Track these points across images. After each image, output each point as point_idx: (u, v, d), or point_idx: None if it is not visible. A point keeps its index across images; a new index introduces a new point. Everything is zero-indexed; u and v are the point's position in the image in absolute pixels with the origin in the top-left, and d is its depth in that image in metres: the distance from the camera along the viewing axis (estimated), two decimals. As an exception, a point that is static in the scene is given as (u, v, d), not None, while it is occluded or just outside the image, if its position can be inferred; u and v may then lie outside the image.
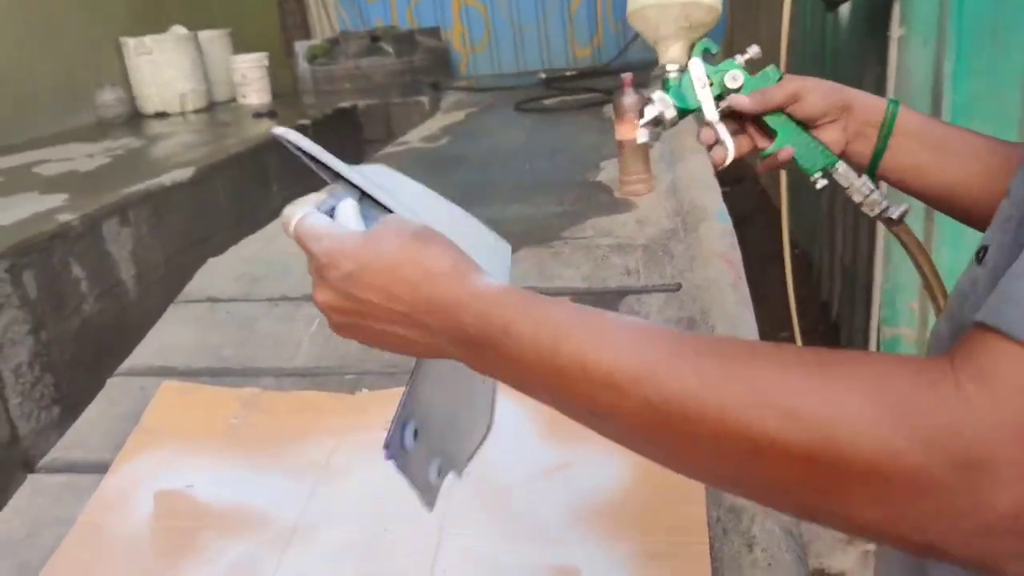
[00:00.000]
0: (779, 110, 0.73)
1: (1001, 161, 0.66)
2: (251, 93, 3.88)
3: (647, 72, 2.90)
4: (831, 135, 0.72)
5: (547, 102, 3.07)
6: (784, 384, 0.37)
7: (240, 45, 4.05)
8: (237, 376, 1.22)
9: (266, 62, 3.88)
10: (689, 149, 2.02)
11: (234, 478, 1.01)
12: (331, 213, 0.52)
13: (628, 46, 3.91)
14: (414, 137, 2.90)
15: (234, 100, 3.97)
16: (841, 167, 0.74)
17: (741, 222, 1.54)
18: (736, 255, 1.38)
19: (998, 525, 0.33)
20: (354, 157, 3.35)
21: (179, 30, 3.74)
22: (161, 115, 3.65)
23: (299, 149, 0.53)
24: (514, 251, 0.65)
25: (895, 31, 2.13)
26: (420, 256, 0.47)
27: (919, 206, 0.79)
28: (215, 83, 3.93)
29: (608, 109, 2.61)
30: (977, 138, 0.70)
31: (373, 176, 0.56)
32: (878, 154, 0.71)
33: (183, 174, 2.44)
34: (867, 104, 0.71)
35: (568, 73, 3.68)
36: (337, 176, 0.54)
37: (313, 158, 0.53)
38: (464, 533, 0.89)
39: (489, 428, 0.64)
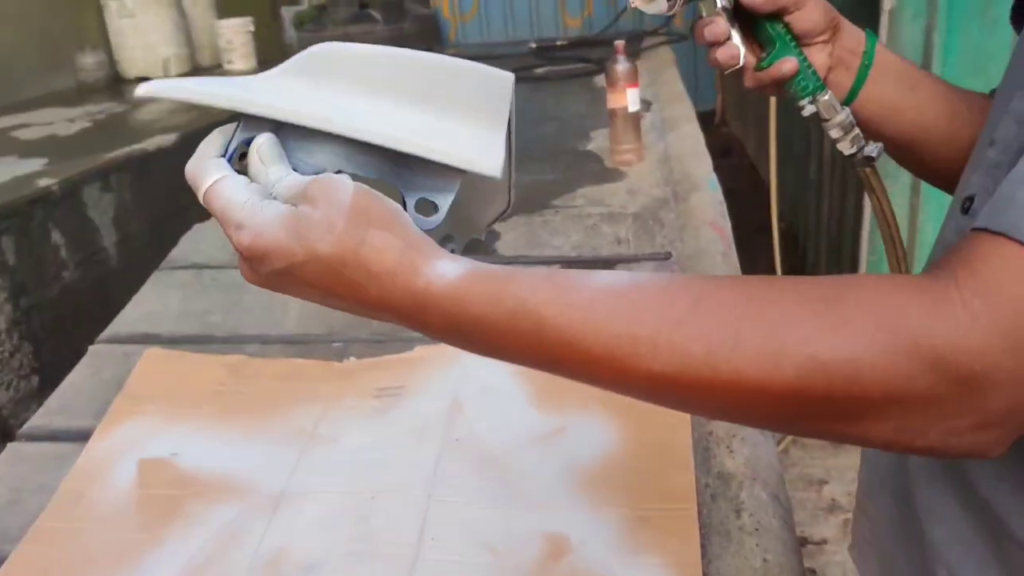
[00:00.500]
0: (785, 12, 0.67)
1: (965, 107, 0.66)
2: (237, 59, 3.81)
3: (638, 42, 2.86)
4: (818, 57, 0.68)
5: (537, 71, 3.03)
6: (797, 332, 0.37)
7: (225, 9, 3.97)
8: (223, 343, 1.21)
9: (252, 27, 3.80)
10: (681, 119, 2.01)
11: (220, 445, 1.00)
12: (246, 154, 0.46)
13: (619, 16, 3.87)
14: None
15: (219, 66, 3.90)
16: (827, 95, 0.69)
17: (728, 195, 1.53)
18: (726, 224, 1.37)
19: (989, 423, 0.36)
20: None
21: (161, -8, 3.66)
22: (143, 79, 3.57)
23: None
24: (505, 219, 0.61)
25: (887, 3, 2.11)
26: (359, 252, 0.41)
27: (904, 181, 0.78)
28: (199, 48, 3.86)
29: (599, 79, 2.59)
30: (943, 84, 0.69)
31: (309, 65, 0.48)
32: (858, 84, 0.69)
33: (167, 139, 2.40)
34: (852, 30, 0.69)
35: (559, 43, 3.64)
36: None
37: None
38: (453, 500, 0.88)
39: (509, 204, 0.57)
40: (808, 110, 0.69)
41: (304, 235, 0.42)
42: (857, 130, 0.70)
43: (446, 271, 0.42)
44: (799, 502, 2.02)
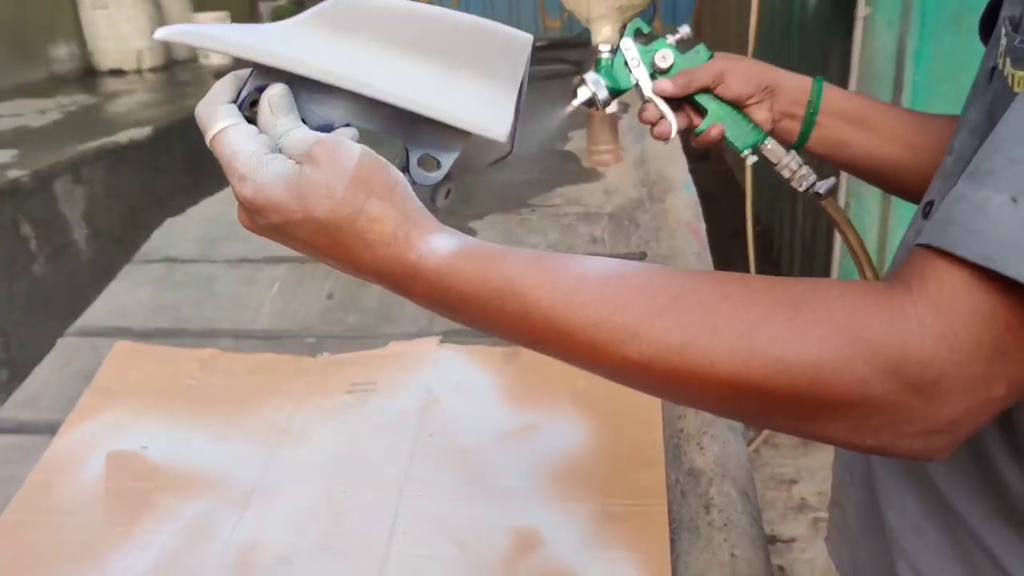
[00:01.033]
0: (708, 88, 0.75)
1: (923, 135, 0.70)
2: (212, 53, 3.78)
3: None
4: (759, 114, 0.75)
5: (515, 71, 3.04)
6: (767, 333, 0.39)
7: (202, 3, 3.94)
8: (195, 337, 1.20)
9: (228, 21, 3.78)
10: (656, 121, 2.02)
11: (190, 439, 0.99)
12: (257, 102, 0.46)
13: (598, 18, 3.89)
14: (379, 102, 2.85)
15: (194, 60, 3.86)
16: (770, 143, 0.77)
17: (705, 199, 1.55)
18: (701, 225, 1.39)
19: (937, 429, 0.38)
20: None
21: (136, -16, 3.62)
22: (117, 72, 3.54)
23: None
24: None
25: (861, 10, 2.15)
26: (357, 220, 0.43)
27: (875, 189, 0.82)
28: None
29: (577, 79, 2.60)
30: (901, 114, 0.73)
31: (331, 15, 0.48)
32: (804, 132, 0.74)
33: (140, 133, 2.37)
34: (792, 86, 0.74)
35: (538, 44, 3.66)
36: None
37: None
38: (424, 495, 0.88)
39: (511, 150, 0.56)
40: (750, 160, 0.77)
41: (303, 196, 0.43)
42: (804, 170, 0.77)
43: (439, 246, 0.43)
44: (769, 501, 2.04)
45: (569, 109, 0.81)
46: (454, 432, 0.97)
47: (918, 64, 2.10)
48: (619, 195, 1.59)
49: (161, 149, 2.45)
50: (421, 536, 0.84)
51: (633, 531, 0.82)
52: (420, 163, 0.49)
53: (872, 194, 2.24)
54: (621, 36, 0.78)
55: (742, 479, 0.90)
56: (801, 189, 0.78)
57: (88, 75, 3.48)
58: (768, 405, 0.39)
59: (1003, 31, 0.44)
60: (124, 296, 1.32)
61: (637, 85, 0.77)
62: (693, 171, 1.68)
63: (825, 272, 2.47)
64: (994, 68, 0.46)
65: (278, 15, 4.10)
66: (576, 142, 2.00)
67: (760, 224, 3.22)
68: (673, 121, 0.77)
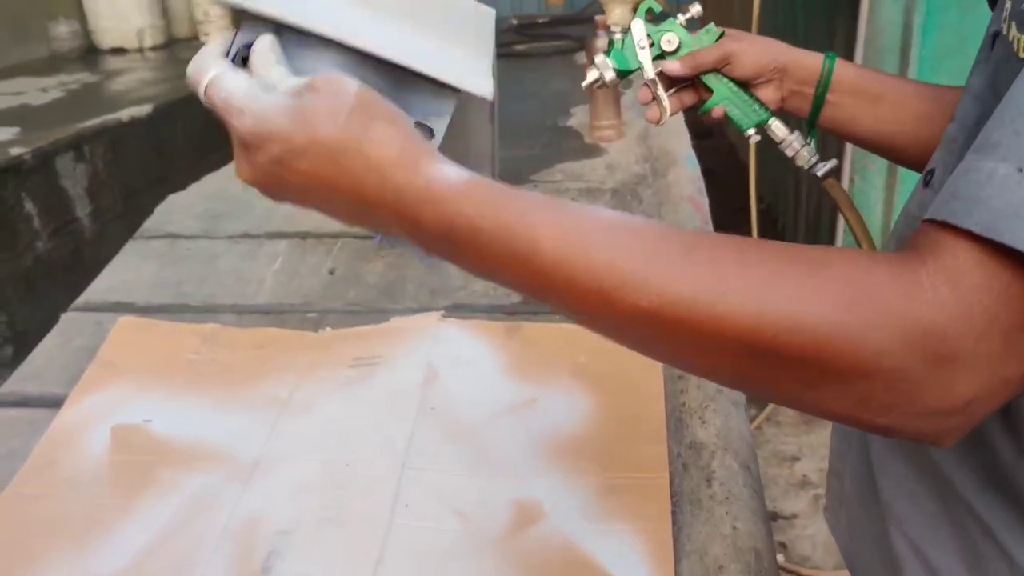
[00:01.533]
0: (715, 68, 0.76)
1: (933, 106, 0.70)
2: (214, 31, 3.75)
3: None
4: (767, 93, 0.75)
5: (518, 48, 3.02)
6: (780, 292, 0.37)
7: (201, -21, 3.89)
8: (197, 312, 1.20)
9: (229, -1, 3.75)
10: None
11: (193, 413, 1.00)
12: (247, 59, 0.44)
13: (601, -6, 3.85)
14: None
15: (195, 38, 3.84)
16: (774, 123, 0.77)
17: (708, 177, 1.54)
18: (703, 200, 1.38)
19: (950, 410, 0.36)
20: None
21: (137, -39, 3.59)
22: (118, 51, 3.52)
23: None
24: None
25: (868, -17, 2.12)
26: (362, 142, 0.41)
27: (882, 162, 0.83)
28: (175, 19, 3.80)
29: (580, 56, 2.58)
30: (911, 86, 0.73)
31: None
32: (815, 110, 0.74)
33: (141, 110, 2.37)
34: (803, 64, 0.74)
35: (540, 20, 3.62)
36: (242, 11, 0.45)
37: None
38: (426, 467, 0.89)
39: (494, 176, 0.56)
40: (753, 139, 0.79)
41: (307, 120, 0.41)
42: (807, 150, 0.78)
43: (449, 173, 0.42)
44: (771, 478, 2.05)
45: (583, 85, 0.83)
46: (456, 406, 0.97)
47: (925, 38, 2.08)
48: (621, 170, 1.58)
49: (162, 126, 2.44)
50: (423, 508, 0.84)
51: (635, 504, 0.83)
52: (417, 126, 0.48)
53: (878, 169, 2.22)
54: (632, 17, 0.79)
55: (744, 452, 0.90)
56: (804, 169, 0.79)
57: (89, 53, 3.47)
58: (774, 367, 0.38)
59: None
60: (127, 272, 1.32)
61: (638, 69, 0.79)
62: (696, 148, 1.67)
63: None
64: (996, 34, 0.46)
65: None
66: (578, 118, 1.98)
67: (763, 201, 3.21)
68: (666, 105, 0.78)
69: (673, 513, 0.81)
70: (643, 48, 0.78)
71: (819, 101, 0.74)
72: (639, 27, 0.78)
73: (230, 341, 1.12)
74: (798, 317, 0.36)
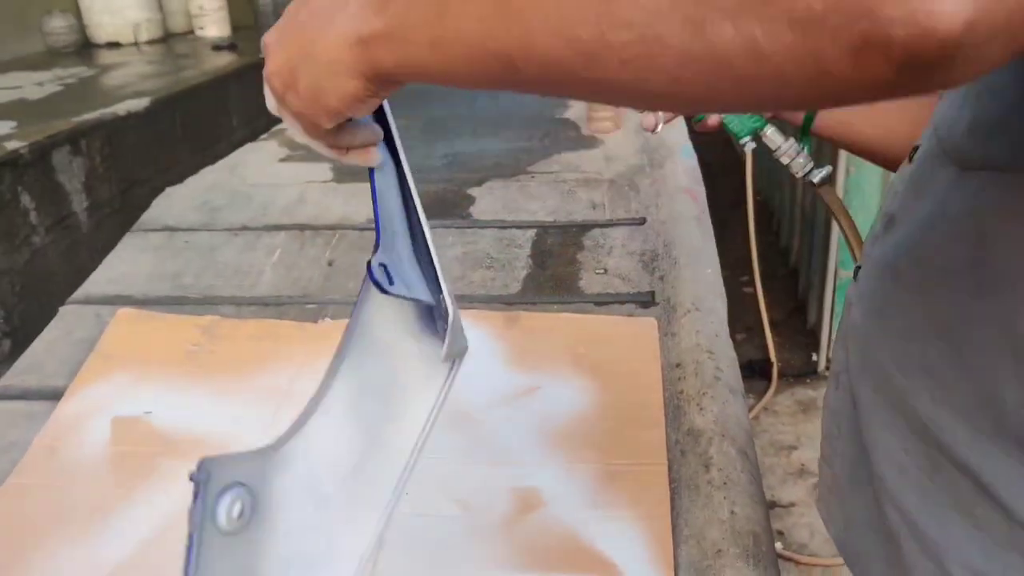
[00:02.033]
0: None
1: (924, 107, 0.69)
2: (209, 25, 3.75)
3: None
4: None
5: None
6: None
7: (196, -28, 3.88)
8: (196, 305, 1.20)
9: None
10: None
11: (194, 405, 1.00)
12: None
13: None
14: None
15: (191, 32, 3.83)
16: (769, 131, 0.79)
17: (704, 169, 1.55)
18: (700, 190, 1.38)
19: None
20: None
21: (132, -45, 3.58)
22: (113, 45, 3.51)
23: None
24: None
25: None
26: None
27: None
28: (171, 13, 3.79)
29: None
30: None
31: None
32: (810, 115, 0.74)
33: (138, 104, 2.36)
34: None
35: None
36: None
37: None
38: (427, 456, 0.89)
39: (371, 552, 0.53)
40: (748, 147, 0.80)
41: None
42: (802, 158, 0.79)
43: None
44: (769, 467, 2.06)
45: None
46: (455, 395, 0.98)
47: None
48: (619, 161, 1.58)
49: (159, 120, 2.44)
50: (423, 497, 0.84)
51: (633, 490, 0.83)
52: (376, 272, 0.52)
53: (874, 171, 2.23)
54: None
55: (741, 439, 0.91)
56: (799, 176, 0.79)
57: (85, 48, 3.46)
58: None
59: None
60: (125, 264, 1.32)
61: None
62: (693, 142, 1.67)
63: (825, 243, 2.46)
64: None
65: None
66: (576, 109, 1.99)
67: (759, 194, 3.21)
68: (662, 113, 0.78)
69: (672, 499, 0.82)
70: None
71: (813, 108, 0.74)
72: None
73: (229, 333, 1.12)
74: None
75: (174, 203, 1.52)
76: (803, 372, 2.51)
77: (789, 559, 1.80)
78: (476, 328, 1.10)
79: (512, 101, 2.23)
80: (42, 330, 1.17)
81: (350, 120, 0.52)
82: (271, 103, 0.53)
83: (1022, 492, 0.46)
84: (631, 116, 1.86)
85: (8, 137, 1.98)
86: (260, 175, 1.66)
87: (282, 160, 1.78)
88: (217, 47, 3.37)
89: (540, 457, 0.89)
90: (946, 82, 0.29)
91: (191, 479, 0.46)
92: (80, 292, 1.25)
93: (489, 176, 1.52)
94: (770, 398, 2.38)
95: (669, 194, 1.38)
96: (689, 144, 1.58)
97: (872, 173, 2.25)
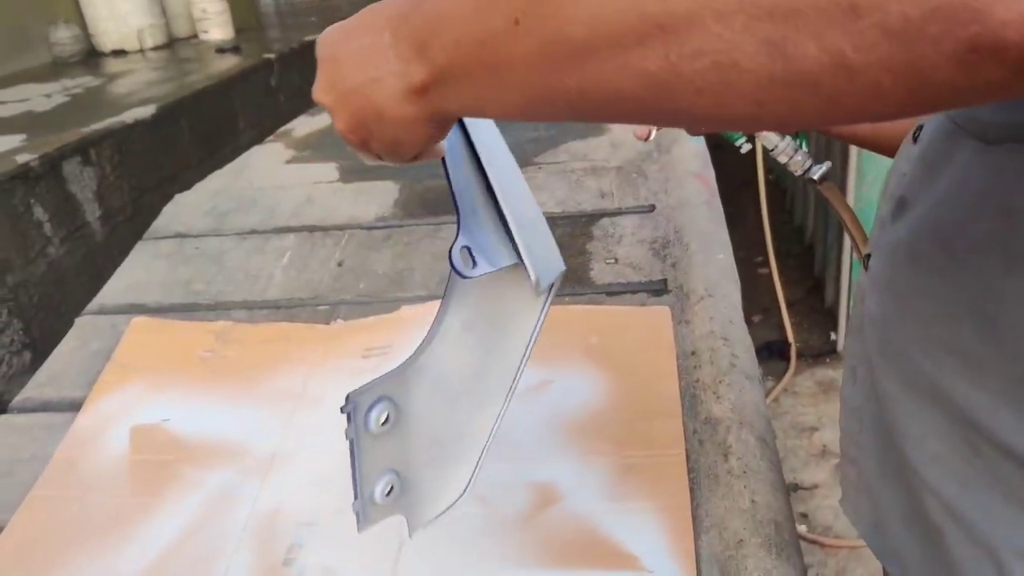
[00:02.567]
0: None
1: None
2: (212, 28, 3.76)
3: None
4: None
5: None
6: None
7: (198, -23, 3.89)
8: (208, 311, 1.20)
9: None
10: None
11: (209, 410, 1.00)
12: None
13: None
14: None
15: (195, 36, 3.84)
16: (765, 132, 0.77)
17: (715, 151, 1.53)
18: (710, 173, 1.37)
19: None
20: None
21: (132, -39, 3.59)
22: (119, 53, 3.53)
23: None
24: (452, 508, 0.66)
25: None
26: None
27: None
28: (174, 18, 3.80)
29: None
30: None
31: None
32: None
33: (145, 111, 2.37)
34: None
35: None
36: None
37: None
38: (443, 454, 0.89)
39: (463, 493, 0.63)
40: (745, 148, 0.78)
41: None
42: (800, 156, 0.77)
43: None
44: (791, 449, 2.04)
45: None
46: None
47: None
48: (626, 148, 1.57)
49: (167, 127, 2.44)
50: (441, 494, 0.84)
51: (652, 481, 0.83)
52: (461, 252, 0.53)
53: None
54: None
55: (760, 426, 0.90)
56: (798, 174, 0.78)
57: (90, 57, 3.48)
58: None
59: None
60: (138, 273, 1.33)
61: None
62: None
63: (838, 223, 2.44)
64: None
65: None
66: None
67: (771, 172, 3.18)
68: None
69: (691, 489, 0.81)
70: None
71: None
72: None
73: (242, 337, 1.12)
74: None
75: (183, 209, 1.52)
76: (822, 352, 2.49)
77: (814, 542, 1.79)
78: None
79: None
80: (60, 340, 1.18)
81: None
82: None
83: None
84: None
85: (19, 150, 1.99)
86: (266, 178, 1.66)
87: (288, 162, 1.79)
88: (221, 50, 3.38)
89: (556, 451, 0.88)
90: None
91: (342, 411, 0.56)
92: (95, 303, 1.26)
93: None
94: (789, 379, 2.36)
95: (678, 179, 1.37)
96: (696, 127, 1.57)
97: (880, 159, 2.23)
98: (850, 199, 2.38)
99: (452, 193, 0.55)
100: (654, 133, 0.78)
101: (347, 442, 0.58)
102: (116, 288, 1.30)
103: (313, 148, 1.87)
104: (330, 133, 1.98)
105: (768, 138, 0.77)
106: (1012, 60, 0.26)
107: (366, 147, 0.49)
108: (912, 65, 0.27)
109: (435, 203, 1.43)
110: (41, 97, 2.72)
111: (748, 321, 1.05)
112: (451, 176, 0.55)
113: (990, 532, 0.49)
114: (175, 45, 3.69)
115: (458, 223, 0.54)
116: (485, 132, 0.57)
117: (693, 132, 0.47)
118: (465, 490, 0.63)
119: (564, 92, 0.35)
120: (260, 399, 1.01)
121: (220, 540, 0.82)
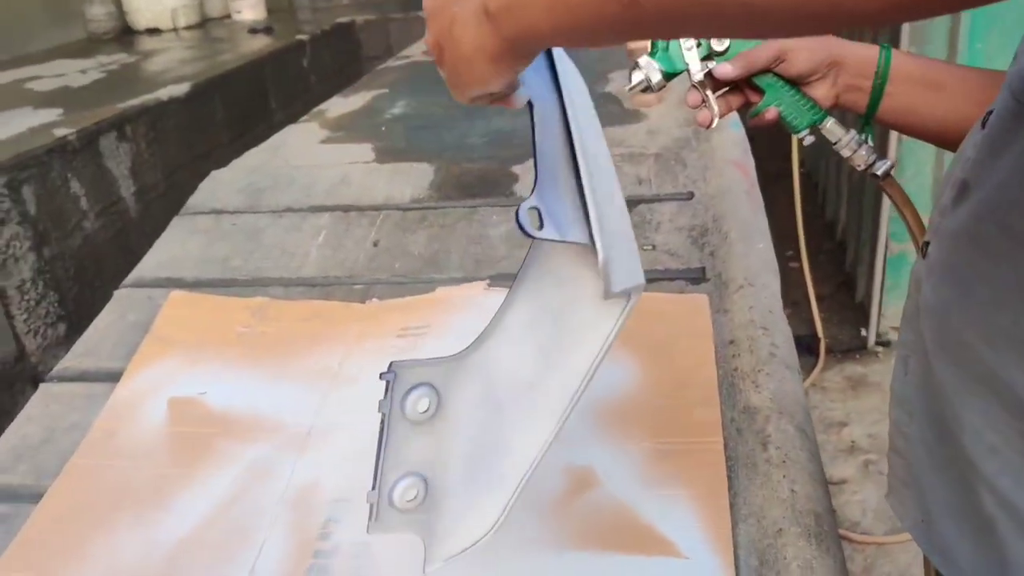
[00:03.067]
0: (769, 68, 0.73)
1: (995, 93, 0.66)
2: (245, 8, 3.77)
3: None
4: (821, 91, 0.72)
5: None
6: None
7: (232, -43, 3.90)
8: (245, 287, 1.21)
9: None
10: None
11: (247, 385, 1.01)
12: None
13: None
14: (416, 51, 2.82)
15: (228, 16, 3.86)
16: (829, 123, 0.75)
17: (748, 141, 1.51)
18: (749, 162, 1.35)
19: None
20: (354, 74, 3.27)
21: (168, -60, 3.61)
22: (153, 31, 3.55)
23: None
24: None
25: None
26: None
27: None
28: (207, -2, 3.81)
29: (632, 62, 2.53)
30: (969, 72, 0.70)
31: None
32: (874, 102, 0.71)
33: (179, 89, 2.38)
34: (858, 56, 0.71)
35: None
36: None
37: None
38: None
39: (491, 529, 0.57)
40: (807, 140, 0.75)
41: None
42: (864, 150, 0.74)
43: None
44: (819, 444, 2.03)
45: (627, 89, 0.80)
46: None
47: (974, 27, 2.01)
48: (663, 135, 1.55)
49: (201, 104, 2.46)
50: (476, 475, 0.84)
51: (689, 469, 0.82)
52: (528, 211, 0.50)
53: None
54: None
55: (799, 416, 0.89)
56: (860, 168, 0.76)
57: (125, 34, 3.50)
58: None
59: None
60: (175, 248, 1.34)
61: (686, 70, 0.75)
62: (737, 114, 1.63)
63: (874, 216, 2.40)
64: None
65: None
66: (617, 83, 1.95)
67: (803, 166, 3.14)
68: (716, 109, 0.75)
69: (728, 478, 0.81)
70: (689, 48, 0.74)
71: (878, 93, 0.70)
72: None
73: (279, 314, 1.13)
74: None
75: (220, 186, 1.53)
76: (852, 347, 2.46)
77: (843, 537, 1.77)
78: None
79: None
80: (95, 313, 1.19)
81: None
82: None
83: None
84: (673, 89, 1.82)
85: (56, 124, 2.01)
86: (302, 157, 1.66)
87: (323, 142, 1.79)
88: (253, 30, 3.39)
89: (593, 436, 0.88)
90: None
91: (381, 377, 0.53)
92: (133, 276, 1.27)
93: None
94: (818, 374, 2.34)
95: (717, 167, 1.35)
96: (736, 116, 1.55)
97: (925, 147, 2.19)
98: (886, 193, 2.35)
99: (534, 152, 0.52)
100: (716, 121, 0.76)
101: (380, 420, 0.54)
102: (153, 262, 1.31)
103: (347, 129, 1.87)
104: (364, 114, 1.98)
105: (832, 131, 0.75)
106: None
107: (441, 64, 0.49)
108: None
109: (471, 186, 1.43)
110: (77, 73, 2.74)
111: (781, 314, 1.03)
112: (536, 135, 0.52)
113: None
114: (208, 25, 3.71)
115: (535, 183, 0.52)
116: (582, 110, 0.54)
117: (749, 34, 0.45)
118: (494, 527, 0.57)
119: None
120: (297, 376, 1.01)
121: (256, 514, 0.83)
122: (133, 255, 1.36)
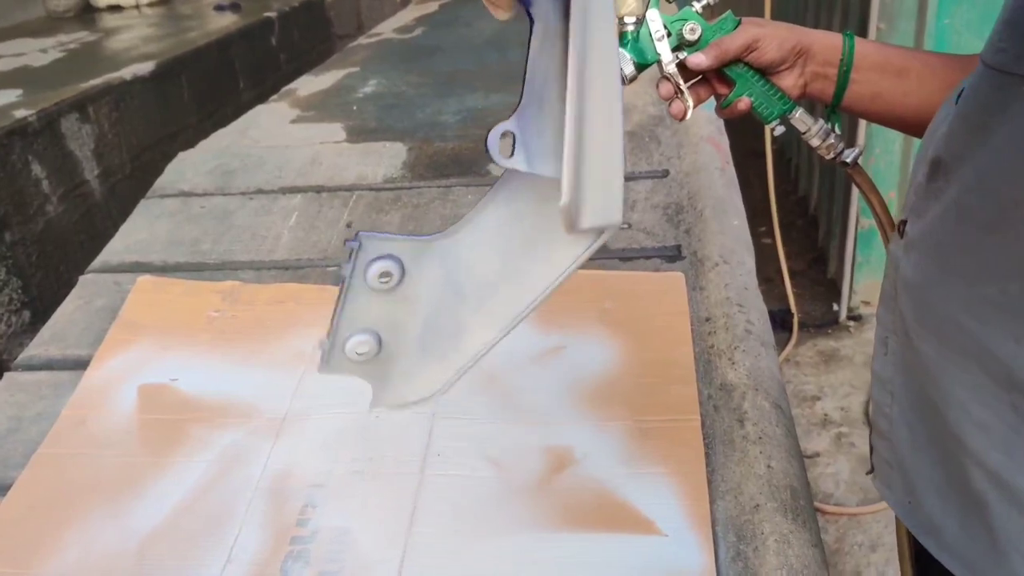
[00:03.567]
0: (736, 61, 0.73)
1: (958, 76, 0.66)
2: (210, -16, 3.68)
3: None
4: (789, 80, 0.73)
5: (524, -9, 2.95)
6: None
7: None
8: (215, 270, 1.19)
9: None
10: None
11: (218, 371, 0.99)
12: None
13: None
14: (387, 28, 2.78)
15: (192, -8, 3.76)
16: (798, 113, 0.75)
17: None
18: (724, 140, 1.35)
19: None
20: (324, 52, 3.22)
21: (128, -86, 3.50)
22: (114, 8, 3.45)
23: None
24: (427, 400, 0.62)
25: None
26: None
27: None
28: (171, -27, 3.71)
29: None
30: (932, 57, 0.71)
31: None
32: (839, 91, 0.72)
33: (144, 68, 2.33)
34: (824, 44, 0.72)
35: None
36: None
37: None
38: (457, 417, 0.88)
39: (437, 392, 0.58)
40: (778, 130, 0.76)
41: None
42: (832, 139, 0.75)
43: None
44: (792, 418, 2.05)
45: None
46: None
47: (942, 3, 2.02)
48: (637, 112, 1.55)
49: (167, 83, 2.40)
50: (455, 457, 0.84)
51: (667, 447, 0.82)
52: (502, 136, 0.48)
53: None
54: (646, 7, 0.74)
55: (775, 392, 0.89)
56: (828, 157, 0.76)
57: (86, 12, 3.40)
58: None
59: None
60: (142, 231, 1.31)
61: (657, 61, 0.74)
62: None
63: (845, 193, 2.42)
64: None
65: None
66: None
67: (776, 143, 3.15)
68: (690, 100, 0.75)
69: (706, 455, 0.81)
70: (660, 39, 0.73)
71: (843, 80, 0.71)
72: (655, 17, 0.73)
73: (251, 297, 1.11)
74: None
75: (187, 168, 1.50)
76: (824, 322, 2.49)
77: (816, 509, 1.80)
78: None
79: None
80: (61, 300, 1.17)
81: None
82: None
83: None
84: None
85: (15, 106, 1.95)
86: (272, 137, 1.63)
87: (293, 121, 1.76)
88: (219, 7, 3.31)
89: (571, 415, 0.88)
90: None
91: (345, 245, 0.53)
92: (98, 261, 1.24)
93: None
94: (791, 349, 2.37)
95: (692, 144, 1.35)
96: (710, 92, 1.55)
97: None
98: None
99: (524, 73, 0.48)
100: (690, 113, 0.75)
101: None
102: (119, 246, 1.28)
103: (318, 108, 1.84)
104: (335, 93, 1.95)
105: (801, 120, 0.75)
106: None
107: None
108: None
109: (444, 165, 1.41)
110: (37, 52, 2.67)
111: (755, 290, 1.04)
112: (530, 49, 0.48)
113: None
114: (172, 2, 3.62)
115: (517, 105, 0.48)
116: (596, 25, 0.47)
117: None
118: (440, 391, 0.59)
119: None
120: (270, 361, 1.00)
121: (232, 500, 0.81)
122: (99, 239, 1.33)
